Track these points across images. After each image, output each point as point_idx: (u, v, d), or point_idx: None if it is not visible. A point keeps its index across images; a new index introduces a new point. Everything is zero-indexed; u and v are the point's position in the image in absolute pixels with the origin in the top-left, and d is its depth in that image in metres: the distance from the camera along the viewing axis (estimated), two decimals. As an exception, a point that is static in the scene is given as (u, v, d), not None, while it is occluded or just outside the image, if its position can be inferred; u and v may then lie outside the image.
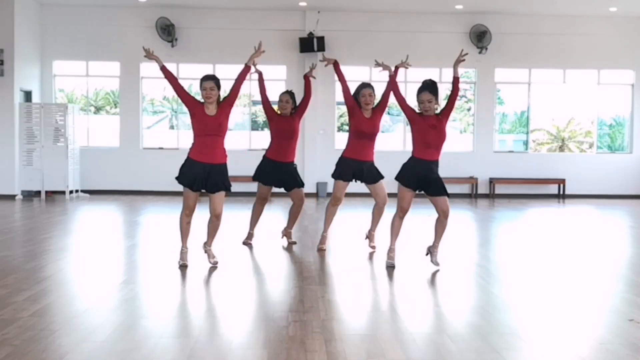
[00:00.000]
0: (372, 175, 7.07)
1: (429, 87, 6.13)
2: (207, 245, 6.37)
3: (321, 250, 7.20)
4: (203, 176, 6.01)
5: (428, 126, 6.09)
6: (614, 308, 4.99)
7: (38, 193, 13.24)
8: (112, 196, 13.48)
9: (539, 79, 14.83)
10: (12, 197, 12.81)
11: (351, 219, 10.60)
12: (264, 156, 7.47)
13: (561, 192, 14.51)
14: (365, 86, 7.16)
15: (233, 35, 14.15)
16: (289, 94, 7.49)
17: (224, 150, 6.14)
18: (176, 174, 6.32)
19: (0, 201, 12.28)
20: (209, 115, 5.96)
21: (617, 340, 4.14)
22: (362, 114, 7.02)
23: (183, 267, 6.16)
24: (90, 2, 13.83)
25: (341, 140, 14.79)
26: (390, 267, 6.30)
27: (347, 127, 7.58)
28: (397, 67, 7.02)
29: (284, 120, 7.39)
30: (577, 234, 9.54)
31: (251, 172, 7.66)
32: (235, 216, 10.85)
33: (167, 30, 13.82)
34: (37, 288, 5.32)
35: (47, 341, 3.97)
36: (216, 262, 6.29)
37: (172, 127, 19.03)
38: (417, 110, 6.23)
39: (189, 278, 5.86)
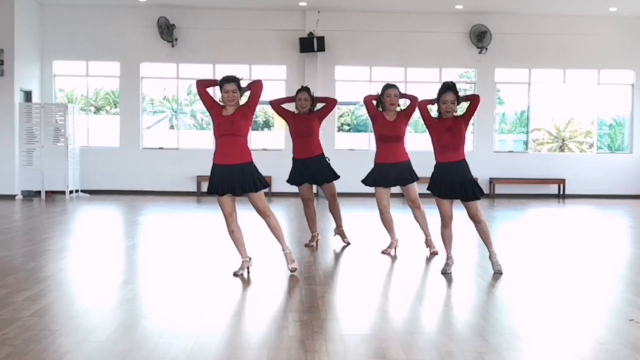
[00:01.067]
0: (403, 178, 6.91)
1: (452, 88, 5.95)
2: (283, 250, 6.06)
3: (386, 253, 7.05)
4: (228, 179, 5.76)
5: (444, 129, 5.92)
6: (614, 308, 4.98)
7: (38, 193, 13.24)
8: (112, 196, 13.48)
9: (539, 79, 14.83)
10: (12, 197, 12.81)
11: (351, 220, 10.59)
12: (292, 158, 7.40)
13: (561, 192, 14.51)
14: (391, 87, 6.92)
15: (233, 35, 14.15)
16: (307, 90, 7.28)
17: (246, 149, 5.85)
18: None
19: (0, 201, 12.28)
20: (223, 116, 5.78)
21: (617, 340, 4.14)
22: (385, 117, 6.86)
23: (239, 276, 5.87)
24: (90, 2, 13.83)
25: (341, 140, 14.83)
26: (444, 273, 6.03)
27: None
28: None
29: (300, 119, 7.22)
30: (577, 234, 9.54)
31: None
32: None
33: (167, 30, 13.82)
34: (37, 288, 5.32)
35: (47, 341, 3.97)
36: (294, 269, 5.97)
37: (172, 127, 19.04)
38: (434, 115, 6.07)
39: (188, 278, 5.86)
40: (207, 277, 5.95)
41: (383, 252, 7.08)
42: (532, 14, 14.27)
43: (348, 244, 7.60)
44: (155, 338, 4.14)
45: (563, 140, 18.22)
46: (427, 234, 7.15)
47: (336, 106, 7.39)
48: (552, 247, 8.10)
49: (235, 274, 5.88)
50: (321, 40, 13.76)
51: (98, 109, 19.58)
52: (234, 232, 5.91)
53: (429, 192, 6.15)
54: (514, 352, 3.91)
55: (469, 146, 14.58)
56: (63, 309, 4.84)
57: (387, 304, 5.17)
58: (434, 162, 6.05)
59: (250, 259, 6.01)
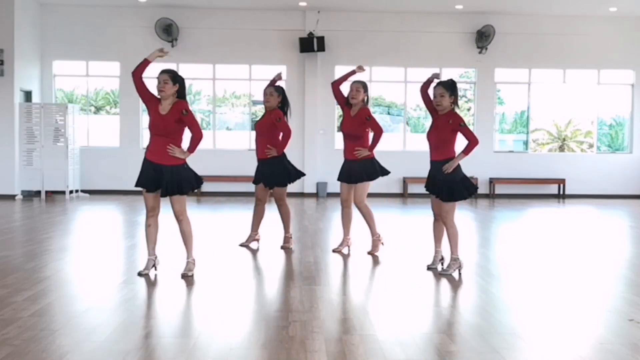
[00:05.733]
0: (356, 175, 6.89)
1: (442, 82, 5.97)
2: (187, 258, 5.94)
3: (336, 251, 7.14)
4: (155, 176, 5.69)
5: (433, 127, 6.06)
6: (614, 308, 4.98)
7: (38, 193, 13.25)
8: (112, 196, 13.48)
9: (539, 79, 14.83)
10: (12, 197, 12.81)
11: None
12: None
13: (561, 192, 14.51)
14: (355, 81, 6.98)
15: (233, 35, 14.15)
16: (273, 87, 7.26)
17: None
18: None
19: (0, 201, 12.28)
20: (160, 114, 5.69)
21: (617, 340, 4.14)
22: (348, 112, 6.93)
23: (144, 276, 5.82)
24: (90, 2, 13.83)
25: (341, 141, 14.84)
26: (432, 269, 6.23)
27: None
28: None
29: (262, 120, 7.22)
30: (577, 234, 9.54)
31: (251, 172, 7.61)
32: (235, 217, 10.86)
33: (167, 30, 13.82)
34: (37, 288, 5.32)
35: (47, 341, 3.97)
36: (190, 273, 5.83)
37: (172, 127, 18.99)
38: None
39: (188, 278, 5.85)
40: (207, 277, 5.94)
41: (334, 251, 7.15)
42: (532, 14, 14.28)
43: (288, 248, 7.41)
44: (155, 338, 4.14)
45: (563, 140, 18.22)
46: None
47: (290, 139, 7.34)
48: (552, 247, 8.10)
49: (140, 274, 5.86)
50: (321, 40, 13.76)
51: (98, 109, 19.57)
52: (150, 226, 5.93)
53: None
54: (514, 352, 3.91)
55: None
56: (63, 309, 4.84)
57: (387, 304, 5.16)
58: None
59: (156, 257, 5.99)
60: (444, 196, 6.01)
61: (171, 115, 5.67)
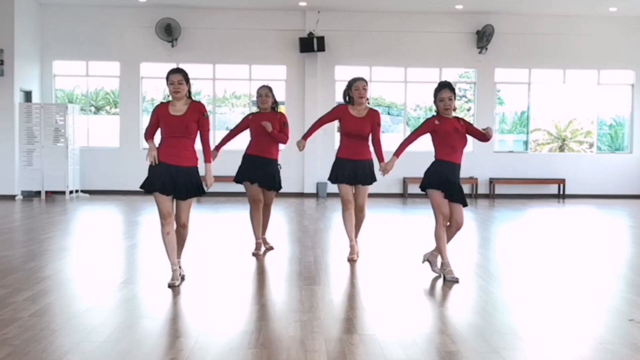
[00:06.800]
0: (365, 176, 6.72)
1: (448, 85, 5.85)
2: (178, 262, 5.67)
3: (351, 261, 6.64)
4: (170, 179, 5.44)
5: (452, 130, 5.82)
6: (614, 308, 4.98)
7: (38, 193, 13.25)
8: (112, 196, 13.48)
9: (539, 79, 14.85)
10: (12, 197, 12.81)
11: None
12: (244, 155, 7.18)
13: (561, 192, 14.52)
14: (359, 79, 6.65)
15: (233, 35, 14.16)
16: (268, 87, 7.11)
17: (194, 152, 5.55)
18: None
19: (0, 201, 12.28)
20: (173, 116, 5.44)
21: (617, 340, 4.14)
22: (351, 113, 6.60)
23: (172, 287, 5.41)
24: (90, 2, 13.84)
25: (341, 140, 14.83)
26: (453, 282, 5.73)
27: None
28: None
29: (262, 118, 7.01)
30: (577, 234, 9.54)
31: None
32: (235, 217, 10.86)
33: (167, 30, 13.83)
34: (37, 288, 5.32)
35: (47, 341, 3.97)
36: (183, 277, 5.65)
37: (172, 127, 18.96)
38: (432, 116, 5.97)
39: (189, 278, 5.85)
40: (207, 277, 5.94)
41: (348, 259, 6.68)
42: (532, 14, 14.28)
43: (271, 248, 7.32)
44: (155, 338, 4.14)
45: (563, 140, 18.22)
46: (352, 239, 6.80)
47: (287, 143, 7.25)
48: (552, 247, 8.10)
49: (170, 286, 5.44)
50: (321, 40, 13.76)
51: (98, 109, 19.57)
52: (169, 234, 5.52)
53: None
54: (514, 352, 3.91)
55: (469, 146, 14.54)
56: (63, 309, 4.84)
57: (387, 304, 5.16)
58: (434, 160, 5.94)
59: (180, 266, 5.66)
60: (464, 201, 5.93)
61: (190, 115, 5.47)
